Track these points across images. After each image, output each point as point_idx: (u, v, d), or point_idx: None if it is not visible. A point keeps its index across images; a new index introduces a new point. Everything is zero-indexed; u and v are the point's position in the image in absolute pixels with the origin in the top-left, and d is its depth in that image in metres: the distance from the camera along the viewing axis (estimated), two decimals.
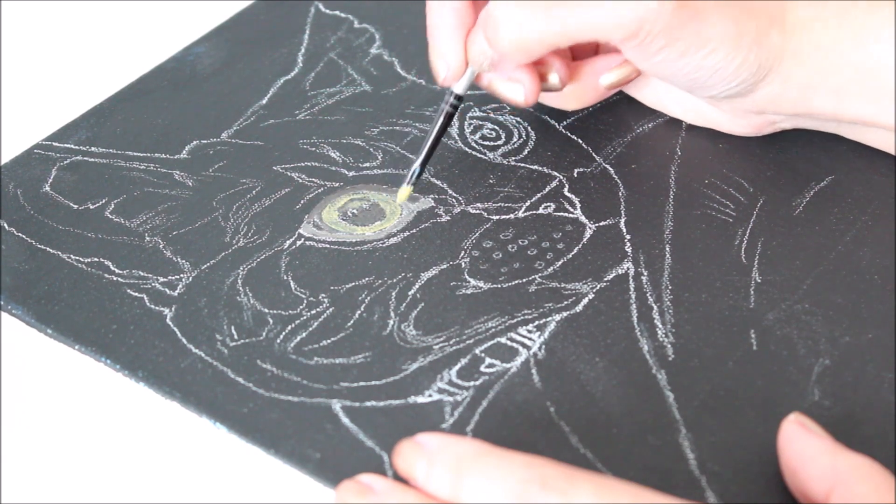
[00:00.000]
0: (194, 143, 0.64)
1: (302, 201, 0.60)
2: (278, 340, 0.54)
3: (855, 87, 0.57)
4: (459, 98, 0.59)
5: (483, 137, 0.63)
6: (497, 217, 0.59)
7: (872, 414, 0.51)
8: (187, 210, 0.60)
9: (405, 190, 0.59)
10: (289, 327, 0.54)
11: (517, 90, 0.59)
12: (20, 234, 0.59)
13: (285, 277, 0.56)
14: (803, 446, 0.47)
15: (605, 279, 0.56)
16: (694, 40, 0.55)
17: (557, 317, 0.55)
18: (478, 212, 0.59)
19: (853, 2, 0.56)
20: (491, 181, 0.61)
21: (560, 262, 0.57)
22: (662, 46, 0.55)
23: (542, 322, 0.54)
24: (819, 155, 0.62)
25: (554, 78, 0.59)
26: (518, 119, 0.64)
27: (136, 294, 0.56)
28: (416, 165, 0.59)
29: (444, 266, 0.57)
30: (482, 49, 0.57)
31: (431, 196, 0.60)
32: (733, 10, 0.56)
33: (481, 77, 0.59)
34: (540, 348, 0.53)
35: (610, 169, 0.61)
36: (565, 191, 0.60)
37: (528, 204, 0.59)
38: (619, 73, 0.60)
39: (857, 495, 0.45)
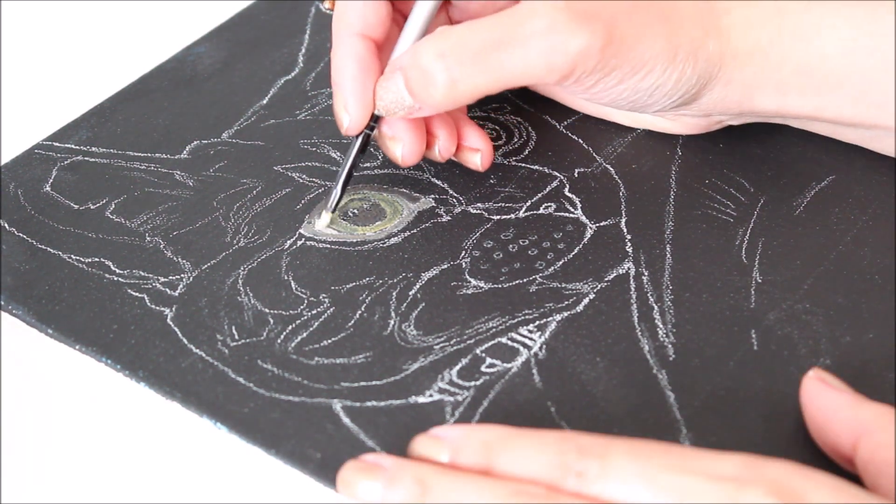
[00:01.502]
0: (195, 143, 0.64)
1: (303, 201, 0.60)
2: (279, 340, 0.54)
3: (796, 83, 0.57)
4: (376, 119, 0.57)
5: None
6: (498, 217, 0.59)
7: None
8: (188, 210, 0.60)
9: (326, 217, 0.58)
10: (289, 327, 0.54)
11: (396, 149, 0.58)
12: (21, 234, 0.59)
13: (286, 277, 0.56)
14: (826, 401, 0.48)
15: (606, 279, 0.56)
16: (629, 67, 0.55)
17: (558, 317, 0.55)
18: (478, 212, 0.59)
19: (788, 0, 0.56)
20: (492, 181, 0.61)
21: (561, 262, 0.57)
22: (598, 79, 0.55)
23: (542, 322, 0.54)
24: (819, 155, 0.62)
25: (436, 152, 0.59)
26: (519, 119, 0.64)
27: (137, 294, 0.56)
28: (337, 190, 0.58)
29: (445, 266, 0.57)
30: (398, 98, 0.56)
31: (432, 196, 0.60)
32: (663, 29, 0.55)
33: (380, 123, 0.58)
34: (541, 348, 0.53)
35: (610, 169, 0.61)
36: (566, 191, 0.60)
37: (528, 204, 0.59)
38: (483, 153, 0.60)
39: (882, 443, 0.46)
